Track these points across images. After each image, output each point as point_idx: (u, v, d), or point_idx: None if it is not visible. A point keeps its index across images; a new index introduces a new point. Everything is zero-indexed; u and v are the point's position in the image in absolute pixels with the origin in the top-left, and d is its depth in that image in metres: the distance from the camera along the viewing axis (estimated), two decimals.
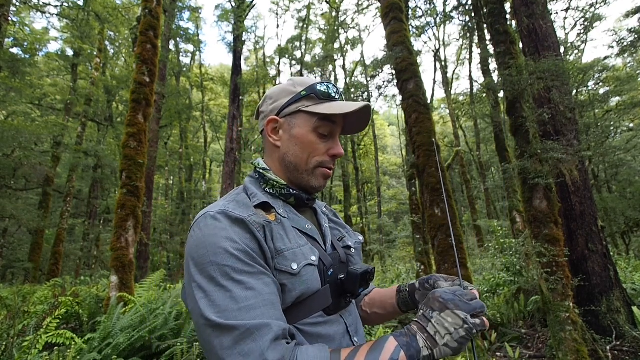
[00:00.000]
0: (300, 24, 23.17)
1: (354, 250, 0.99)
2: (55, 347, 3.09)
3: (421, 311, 0.74)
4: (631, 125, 16.19)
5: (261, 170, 0.91)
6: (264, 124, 0.92)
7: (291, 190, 0.89)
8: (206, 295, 0.67)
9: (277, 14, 25.08)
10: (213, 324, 0.64)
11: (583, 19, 13.13)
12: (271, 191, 0.90)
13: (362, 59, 22.31)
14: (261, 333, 0.63)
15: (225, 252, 0.69)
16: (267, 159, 0.94)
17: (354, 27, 22.74)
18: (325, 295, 0.81)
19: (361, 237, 1.09)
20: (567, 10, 13.22)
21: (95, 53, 16.94)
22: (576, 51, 15.01)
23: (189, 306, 0.71)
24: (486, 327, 0.71)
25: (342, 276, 0.86)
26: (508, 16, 5.48)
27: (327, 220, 1.02)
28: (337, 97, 0.91)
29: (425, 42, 22.77)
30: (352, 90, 19.82)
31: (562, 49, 10.22)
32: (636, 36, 10.57)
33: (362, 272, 0.84)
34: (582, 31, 13.71)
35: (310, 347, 0.68)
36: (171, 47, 20.31)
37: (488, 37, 8.11)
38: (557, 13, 13.03)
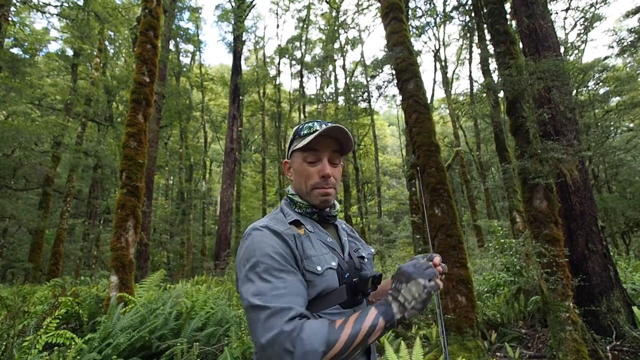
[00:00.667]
0: (300, 24, 23.17)
1: (366, 260, 1.22)
2: (55, 347, 3.09)
3: (394, 284, 0.97)
4: (631, 125, 16.19)
5: (290, 196, 1.20)
6: (282, 165, 1.26)
7: (314, 209, 1.16)
8: (252, 284, 0.92)
9: (277, 14, 25.09)
10: (253, 305, 0.88)
11: (583, 19, 13.13)
12: (299, 211, 1.16)
13: (362, 59, 22.29)
14: (284, 313, 0.85)
15: (267, 255, 0.95)
16: (293, 187, 1.22)
17: (354, 27, 22.72)
18: (342, 293, 1.04)
19: (373, 250, 1.33)
20: (567, 10, 13.22)
21: (95, 53, 16.93)
22: (576, 51, 15.01)
23: (240, 291, 0.96)
24: (440, 287, 0.94)
25: (356, 279, 1.07)
26: (508, 16, 5.48)
27: (346, 234, 1.26)
28: (316, 130, 1.12)
29: (425, 42, 22.82)
30: (352, 90, 19.80)
31: (562, 49, 10.22)
32: (636, 36, 10.56)
33: (371, 276, 1.05)
34: (582, 31, 13.71)
35: (315, 320, 0.89)
36: (171, 47, 20.31)
37: (488, 37, 8.11)
38: (557, 13, 13.03)
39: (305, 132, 1.14)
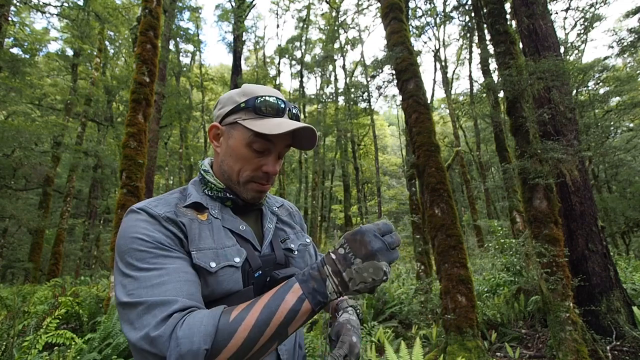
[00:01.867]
0: (300, 24, 23.18)
1: (296, 253, 0.97)
2: (55, 347, 3.09)
3: (342, 250, 0.69)
4: (631, 125, 16.19)
5: (202, 172, 0.94)
6: (208, 128, 0.93)
7: (227, 194, 0.91)
8: (123, 278, 0.71)
9: (277, 14, 25.11)
10: (123, 303, 0.68)
11: (583, 19, 13.13)
12: (209, 193, 0.92)
13: (362, 59, 22.30)
14: (162, 308, 0.65)
15: (140, 240, 0.74)
16: (213, 162, 0.97)
17: (354, 27, 22.76)
18: (247, 296, 0.80)
19: (309, 239, 1.07)
20: (567, 10, 13.21)
21: (95, 53, 16.94)
22: (576, 51, 15.01)
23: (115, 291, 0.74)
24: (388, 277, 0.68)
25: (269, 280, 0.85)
26: (508, 16, 5.48)
27: (276, 220, 1.01)
28: (278, 112, 0.89)
29: (425, 42, 22.79)
30: (352, 90, 19.81)
31: (562, 49, 10.22)
32: (636, 36, 10.56)
33: (284, 277, 0.82)
34: (582, 31, 13.71)
35: (203, 310, 0.68)
36: (171, 47, 20.30)
37: (488, 37, 8.11)
38: (557, 13, 13.02)
39: (260, 105, 0.86)
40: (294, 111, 0.92)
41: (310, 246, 1.07)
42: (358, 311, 1.03)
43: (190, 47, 25.36)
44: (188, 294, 0.69)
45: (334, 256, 0.69)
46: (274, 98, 0.88)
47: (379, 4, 10.07)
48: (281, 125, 0.84)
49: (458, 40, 19.58)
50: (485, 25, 8.54)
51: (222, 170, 0.92)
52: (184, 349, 0.59)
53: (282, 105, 0.89)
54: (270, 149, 0.89)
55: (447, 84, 18.80)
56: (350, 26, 22.44)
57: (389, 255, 0.68)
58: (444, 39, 20.33)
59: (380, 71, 10.50)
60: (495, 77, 8.96)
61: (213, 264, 0.78)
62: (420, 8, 15.12)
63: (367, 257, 0.66)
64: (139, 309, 0.65)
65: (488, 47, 10.26)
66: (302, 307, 0.65)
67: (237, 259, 0.82)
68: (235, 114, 0.88)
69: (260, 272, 0.85)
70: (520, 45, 5.54)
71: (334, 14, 21.49)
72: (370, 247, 0.67)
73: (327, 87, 24.41)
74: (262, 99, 0.87)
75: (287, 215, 1.09)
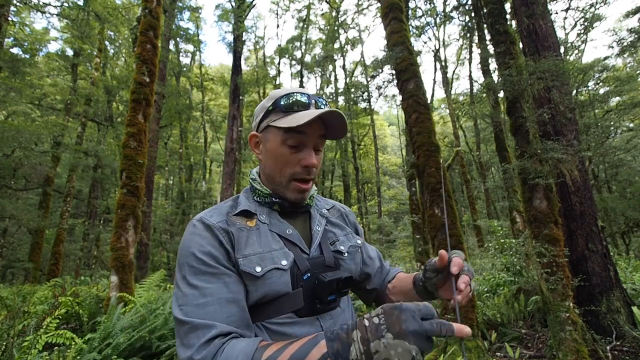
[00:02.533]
0: (300, 24, 23.17)
1: (346, 255, 0.98)
2: (55, 347, 3.09)
3: (377, 319, 0.64)
4: (631, 125, 16.19)
5: (251, 181, 1.00)
6: (248, 138, 1.00)
7: (274, 199, 0.94)
8: (178, 290, 0.80)
9: (277, 14, 25.10)
10: (175, 317, 0.76)
11: (583, 19, 13.13)
12: (258, 199, 0.96)
13: (362, 59, 22.31)
14: (202, 332, 0.72)
15: (192, 255, 0.81)
16: (259, 169, 1.01)
17: (354, 27, 22.76)
18: (296, 298, 0.85)
19: (359, 241, 1.07)
20: (567, 10, 13.21)
21: (95, 53, 16.94)
22: (576, 51, 15.02)
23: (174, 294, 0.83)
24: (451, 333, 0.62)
25: (325, 278, 0.87)
26: (508, 16, 5.48)
27: (325, 222, 1.03)
28: (304, 105, 0.90)
29: (425, 42, 22.79)
30: (352, 90, 19.81)
31: (562, 49, 10.21)
32: (636, 36, 10.56)
33: (331, 280, 0.85)
34: (582, 31, 13.71)
35: (242, 340, 0.73)
36: (171, 47, 20.30)
37: (488, 37, 8.11)
38: (557, 13, 13.02)
39: (288, 102, 0.90)
40: (319, 103, 0.93)
41: (363, 247, 1.10)
42: None
43: (190, 47, 25.39)
44: (227, 316, 0.76)
45: (367, 323, 0.65)
46: (297, 93, 0.91)
47: (379, 4, 10.07)
48: (307, 115, 0.86)
49: (458, 40, 19.59)
50: (485, 25, 8.54)
51: (266, 174, 0.96)
52: None
53: (306, 99, 0.91)
54: (304, 142, 0.90)
55: (447, 84, 18.80)
56: (350, 26, 22.46)
57: (423, 342, 0.61)
58: (444, 39, 20.34)
59: (380, 71, 10.52)
60: (495, 77, 8.96)
61: (258, 269, 0.82)
62: (420, 8, 15.13)
63: (399, 335, 0.61)
64: (185, 327, 0.74)
65: (488, 47, 10.26)
66: None
67: (284, 262, 0.85)
68: (266, 119, 0.93)
69: (309, 275, 0.87)
70: (520, 45, 5.54)
71: (334, 14, 21.49)
72: (404, 326, 0.61)
73: (327, 87, 24.42)
74: (286, 97, 0.90)
75: (338, 216, 1.11)
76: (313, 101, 0.92)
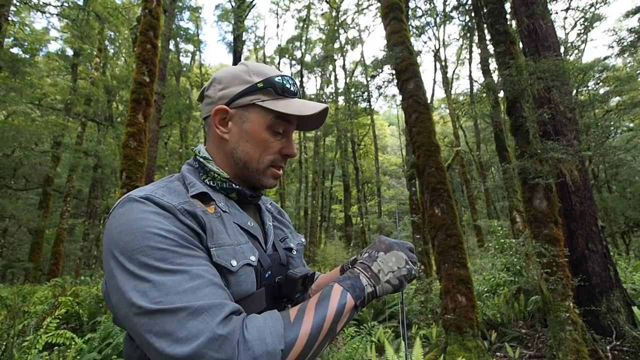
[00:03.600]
0: (300, 24, 23.17)
1: (295, 252, 0.94)
2: (56, 347, 3.09)
3: (367, 253, 0.80)
4: (631, 125, 16.19)
5: (202, 159, 0.83)
6: (211, 111, 0.82)
7: (233, 185, 0.82)
8: (139, 282, 0.58)
9: (277, 13, 25.09)
10: (151, 311, 0.55)
11: (583, 19, 13.13)
12: (211, 183, 0.82)
13: (362, 59, 22.30)
14: (213, 312, 0.56)
15: (157, 235, 0.62)
16: (210, 148, 0.86)
17: (354, 27, 22.77)
18: (260, 299, 0.75)
19: (303, 239, 1.04)
20: (567, 10, 13.21)
21: (95, 53, 16.94)
22: (576, 51, 15.01)
23: (113, 301, 0.62)
24: (418, 276, 0.77)
25: (280, 279, 0.80)
26: (508, 16, 5.48)
27: (271, 218, 0.95)
28: (295, 92, 0.85)
29: (425, 42, 22.79)
30: (352, 90, 19.81)
31: (562, 49, 10.21)
32: (636, 36, 10.57)
33: (301, 276, 0.79)
34: (582, 31, 13.71)
35: (259, 315, 0.63)
36: (171, 47, 20.30)
37: (488, 37, 8.11)
38: (557, 13, 13.02)
39: (282, 86, 0.82)
40: (323, 107, 0.86)
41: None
42: None
43: (190, 47, 25.37)
44: (226, 297, 0.62)
45: (360, 258, 0.81)
46: (290, 78, 0.85)
47: (379, 4, 10.07)
48: (306, 105, 0.82)
49: (458, 40, 19.59)
50: (485, 25, 8.54)
51: (235, 158, 0.82)
52: (257, 351, 0.55)
53: (291, 83, 0.85)
54: (288, 130, 0.85)
55: (447, 83, 18.80)
56: (350, 26, 22.46)
57: (406, 250, 0.81)
58: (444, 39, 20.33)
59: (380, 71, 10.52)
60: (495, 77, 8.95)
61: (234, 262, 0.70)
62: (420, 8, 15.13)
63: (387, 250, 0.79)
64: (179, 316, 0.55)
65: (488, 47, 10.26)
66: (347, 301, 0.67)
67: (253, 258, 0.75)
68: (250, 95, 0.80)
69: (270, 273, 0.79)
70: (520, 45, 5.54)
71: (334, 13, 21.50)
72: (387, 242, 0.81)
73: (327, 87, 24.42)
74: (280, 78, 0.82)
75: (277, 213, 1.04)
76: (294, 86, 0.86)
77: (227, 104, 0.81)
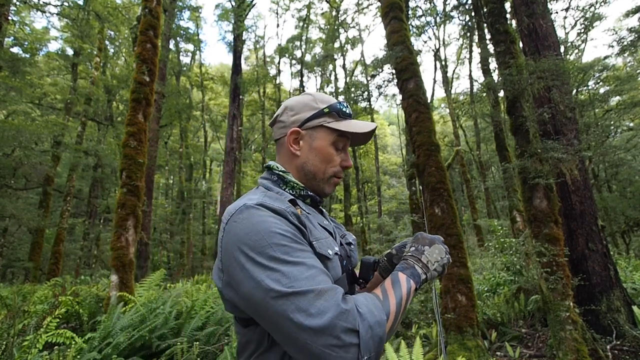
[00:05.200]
0: (301, 24, 23.15)
1: (353, 247, 1.12)
2: (56, 347, 3.09)
3: (412, 247, 0.97)
4: (631, 124, 16.19)
5: (281, 173, 1.00)
6: (285, 133, 1.01)
7: (308, 192, 1.00)
8: (272, 272, 0.72)
9: (277, 13, 25.07)
10: (286, 294, 0.69)
11: (583, 19, 13.12)
12: (290, 192, 0.99)
13: (362, 59, 22.29)
14: (333, 293, 0.71)
15: (279, 234, 0.77)
16: (282, 163, 1.03)
17: (354, 27, 22.74)
18: (344, 283, 0.93)
19: (354, 236, 1.22)
20: (567, 9, 13.20)
21: (95, 52, 16.92)
22: (576, 50, 15.00)
23: (245, 289, 0.75)
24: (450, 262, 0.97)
25: (352, 267, 1.01)
26: (508, 15, 5.48)
27: (330, 220, 1.13)
28: (350, 114, 1.04)
29: (425, 42, 22.72)
30: (352, 89, 19.80)
31: (562, 49, 10.21)
32: (636, 35, 10.56)
33: (374, 261, 1.02)
34: (582, 30, 13.70)
35: (359, 295, 0.79)
36: (171, 46, 20.29)
37: (488, 36, 8.10)
38: (557, 12, 13.01)
39: (343, 110, 1.02)
40: (374, 126, 1.04)
41: None
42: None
43: (190, 47, 25.40)
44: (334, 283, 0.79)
45: (409, 253, 0.95)
46: (346, 104, 1.04)
47: (379, 4, 10.06)
48: (364, 124, 1.02)
49: (458, 39, 19.58)
50: (485, 25, 8.53)
51: (305, 170, 1.00)
52: (371, 320, 0.71)
53: (350, 109, 1.05)
54: (346, 146, 1.04)
55: (447, 83, 18.79)
56: (351, 25, 22.43)
57: (441, 241, 0.98)
58: (444, 39, 20.33)
59: (381, 70, 10.51)
60: (495, 76, 8.95)
61: (330, 252, 0.88)
62: (420, 7, 15.11)
63: (430, 244, 0.96)
64: (309, 297, 0.69)
65: (488, 47, 10.26)
66: (411, 285, 0.85)
67: (336, 248, 0.93)
68: (318, 119, 0.99)
69: (345, 262, 0.97)
70: (520, 45, 5.53)
71: (334, 13, 21.47)
72: (429, 238, 0.98)
73: (327, 86, 24.39)
74: (342, 104, 1.02)
75: (327, 215, 1.18)
76: (348, 110, 1.04)
77: (299, 126, 1.00)
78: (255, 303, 0.73)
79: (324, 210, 1.12)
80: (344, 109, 1.02)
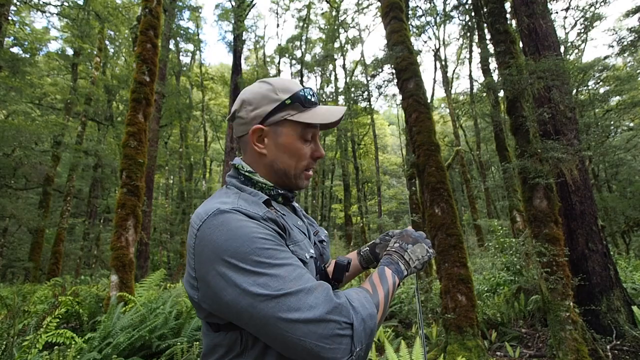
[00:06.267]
0: (301, 24, 23.15)
1: (325, 244, 1.09)
2: (56, 347, 3.09)
3: (397, 244, 1.01)
4: (631, 124, 16.19)
5: (247, 173, 0.93)
6: (247, 130, 0.92)
7: (279, 191, 0.95)
8: (258, 277, 0.70)
9: (277, 13, 25.07)
10: (277, 296, 0.68)
11: (583, 18, 13.12)
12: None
13: (362, 59, 22.28)
14: (321, 289, 0.71)
15: (260, 238, 0.73)
16: (250, 162, 0.96)
17: (354, 27, 22.71)
18: None
19: (325, 231, 1.19)
20: (567, 9, 13.21)
21: (95, 52, 16.92)
22: (576, 50, 15.00)
23: (228, 297, 0.71)
24: (434, 256, 1.03)
25: (324, 266, 1.00)
26: (508, 15, 5.48)
27: (303, 215, 1.08)
28: (315, 101, 0.95)
29: (425, 42, 22.72)
30: (352, 89, 19.80)
31: (562, 48, 10.21)
32: (636, 35, 10.55)
33: (347, 262, 0.98)
34: (582, 30, 13.70)
35: (350, 289, 0.81)
36: (171, 46, 20.29)
37: (488, 36, 8.10)
38: (557, 12, 13.02)
39: (307, 99, 0.92)
40: (344, 109, 0.98)
41: None
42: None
43: (191, 47, 25.39)
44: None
45: (393, 249, 1.00)
46: (310, 90, 0.94)
47: (379, 4, 10.06)
48: (331, 111, 0.95)
49: (458, 39, 19.57)
50: (485, 25, 8.53)
51: (275, 168, 0.93)
52: (363, 313, 0.72)
53: (313, 95, 0.95)
54: (315, 136, 0.96)
55: (447, 83, 18.79)
56: (351, 25, 22.41)
57: (427, 242, 1.03)
58: (444, 39, 20.32)
59: (381, 70, 10.50)
60: (495, 76, 8.95)
61: (307, 255, 0.86)
62: (420, 7, 15.11)
63: (414, 242, 1.01)
64: (300, 295, 0.68)
65: (488, 47, 10.26)
66: (396, 280, 0.89)
67: (312, 251, 0.91)
68: (280, 112, 0.90)
69: (318, 262, 0.95)
70: (520, 45, 5.53)
71: (334, 13, 21.46)
72: (414, 236, 1.03)
73: (327, 86, 24.40)
74: (304, 92, 0.92)
75: (303, 211, 1.13)
76: (314, 96, 0.95)
77: (261, 122, 0.91)
78: (240, 309, 0.70)
79: (296, 206, 1.07)
80: (309, 97, 0.92)
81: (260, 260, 0.71)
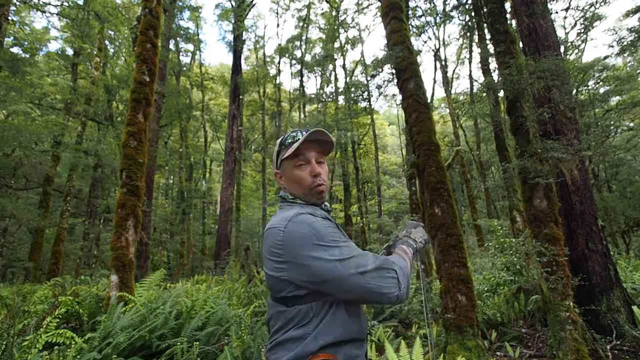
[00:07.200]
0: (301, 23, 23.15)
1: None
2: (55, 347, 3.09)
3: (403, 232, 1.44)
4: (631, 124, 16.19)
5: (292, 200, 1.28)
6: (276, 176, 1.33)
7: (314, 206, 1.28)
8: (335, 249, 1.05)
9: (277, 13, 25.04)
10: (347, 259, 1.04)
11: (583, 18, 13.12)
12: None
13: (362, 59, 22.27)
14: (371, 254, 1.09)
15: (330, 229, 1.10)
16: (286, 191, 1.32)
17: (354, 27, 22.70)
18: None
19: None
20: (567, 9, 13.20)
21: (95, 52, 16.91)
22: (576, 50, 15.00)
23: (317, 266, 1.02)
24: (429, 240, 1.56)
25: None
26: (508, 15, 5.47)
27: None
28: (298, 138, 1.22)
29: (425, 42, 22.71)
30: (352, 89, 19.80)
31: (562, 48, 10.21)
32: (636, 35, 10.56)
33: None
34: (582, 30, 13.69)
35: (390, 256, 1.20)
36: (171, 46, 20.29)
37: (488, 36, 8.10)
38: (557, 12, 13.01)
39: (289, 140, 1.23)
40: (311, 130, 1.23)
41: None
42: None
43: (190, 47, 25.39)
44: None
45: (403, 234, 1.43)
46: (294, 131, 1.26)
47: (379, 3, 10.06)
48: (293, 146, 1.23)
49: (458, 39, 19.57)
50: (485, 25, 8.52)
51: (296, 194, 1.27)
52: (401, 264, 1.11)
53: (298, 133, 1.24)
54: (307, 160, 1.24)
55: (447, 83, 18.79)
56: (351, 25, 22.40)
57: (421, 226, 1.49)
58: (444, 39, 20.32)
59: (381, 70, 10.50)
60: (495, 76, 8.94)
61: (357, 252, 1.14)
62: (420, 7, 15.12)
63: (415, 227, 1.46)
64: (361, 257, 1.05)
65: (488, 47, 10.25)
66: (411, 251, 1.29)
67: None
68: (278, 158, 1.29)
69: None
70: (520, 45, 5.53)
71: (334, 13, 21.46)
72: (413, 224, 1.49)
73: (327, 86, 24.38)
74: (286, 136, 1.26)
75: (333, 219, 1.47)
76: (304, 132, 1.22)
77: (277, 169, 1.32)
78: (327, 273, 1.01)
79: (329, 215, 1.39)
80: (287, 140, 1.24)
81: (333, 239, 1.07)
